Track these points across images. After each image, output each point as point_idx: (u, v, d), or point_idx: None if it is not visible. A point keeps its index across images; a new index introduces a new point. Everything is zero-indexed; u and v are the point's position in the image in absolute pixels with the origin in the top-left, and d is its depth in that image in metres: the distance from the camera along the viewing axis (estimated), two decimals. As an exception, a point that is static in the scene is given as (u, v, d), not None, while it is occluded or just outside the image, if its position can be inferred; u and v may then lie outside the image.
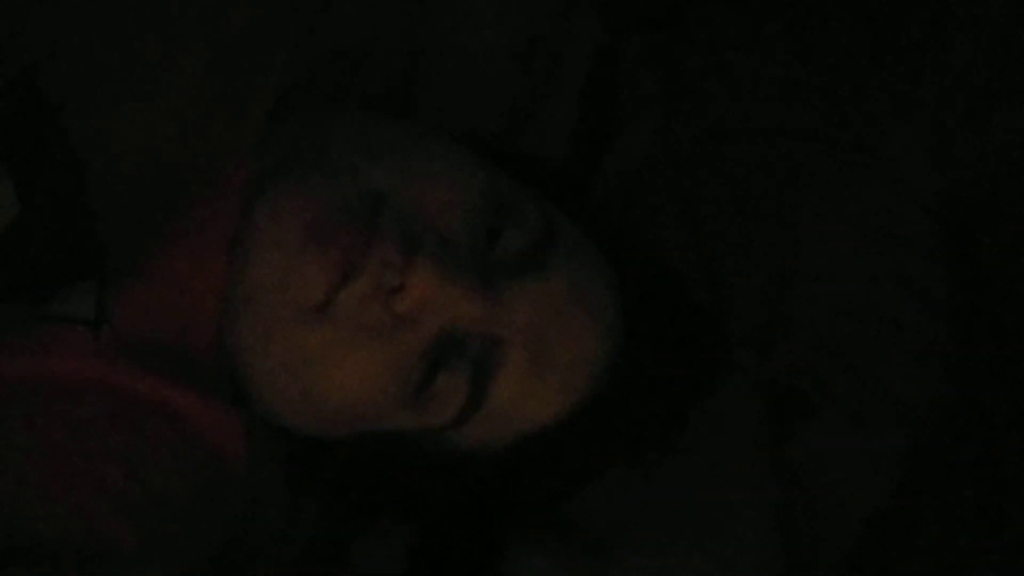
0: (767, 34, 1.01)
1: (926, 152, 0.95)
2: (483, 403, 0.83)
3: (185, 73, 0.85)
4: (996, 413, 0.93)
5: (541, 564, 0.90)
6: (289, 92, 0.89)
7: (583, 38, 1.02)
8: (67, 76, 0.82)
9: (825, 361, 0.93)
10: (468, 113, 0.98)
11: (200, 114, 0.85)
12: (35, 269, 0.80)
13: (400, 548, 0.90)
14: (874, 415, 0.92)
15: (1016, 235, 0.94)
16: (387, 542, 0.90)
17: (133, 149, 0.83)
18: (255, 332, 0.82)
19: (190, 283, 0.83)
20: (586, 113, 1.02)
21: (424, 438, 0.86)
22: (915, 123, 0.96)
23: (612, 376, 0.86)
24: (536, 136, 1.00)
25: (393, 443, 0.86)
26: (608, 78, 1.03)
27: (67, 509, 0.81)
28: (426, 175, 0.83)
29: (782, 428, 0.93)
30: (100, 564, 0.81)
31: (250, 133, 0.85)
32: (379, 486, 0.90)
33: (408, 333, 0.81)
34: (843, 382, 0.93)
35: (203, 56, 0.85)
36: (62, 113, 0.81)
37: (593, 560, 0.90)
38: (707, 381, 0.94)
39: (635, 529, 0.91)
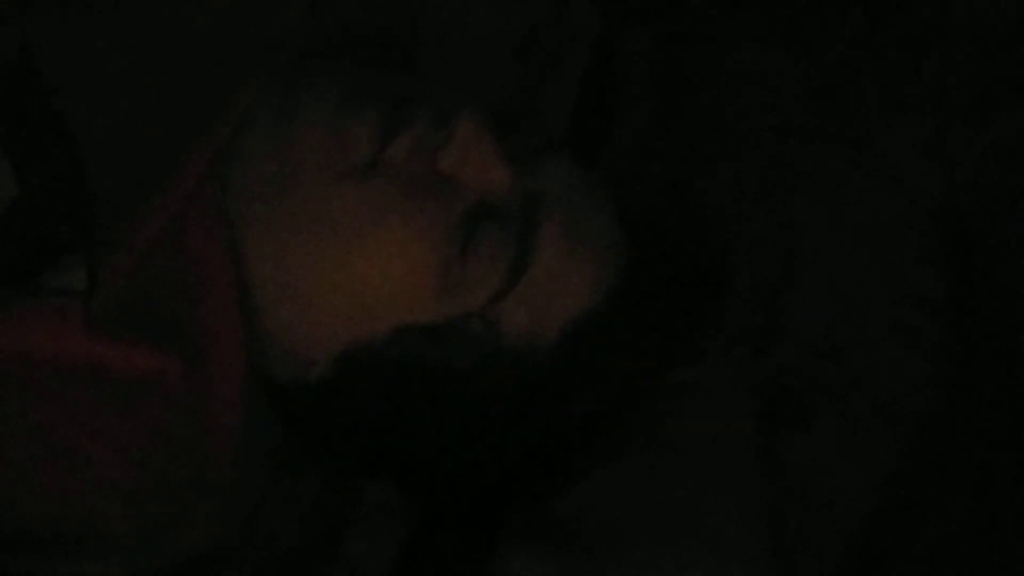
0: (765, 30, 1.00)
1: (925, 151, 0.95)
2: (528, 264, 0.83)
3: (180, 54, 0.85)
4: (992, 416, 0.93)
5: (530, 563, 0.90)
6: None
7: (581, 29, 1.02)
8: (63, 57, 0.82)
9: (820, 362, 0.93)
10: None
11: (194, 95, 0.84)
12: (33, 250, 0.80)
13: (392, 543, 0.90)
14: (868, 417, 0.92)
15: (1015, 236, 0.94)
16: (379, 536, 0.90)
17: (127, 121, 0.83)
18: (296, 205, 0.82)
19: (179, 251, 0.83)
20: (583, 105, 1.02)
21: (460, 344, 0.84)
22: (914, 121, 0.96)
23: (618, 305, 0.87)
24: (533, 128, 1.00)
25: (424, 350, 0.84)
26: (606, 70, 1.03)
27: (58, 493, 0.80)
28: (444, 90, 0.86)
29: (775, 429, 0.93)
30: (92, 548, 0.81)
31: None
32: (375, 463, 0.89)
33: (451, 193, 0.82)
34: (838, 384, 0.93)
35: (198, 38, 0.85)
36: (59, 94, 0.81)
37: (584, 559, 0.90)
38: (701, 379, 0.94)
39: (626, 528, 0.91)
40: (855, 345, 0.94)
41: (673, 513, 0.92)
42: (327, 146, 0.82)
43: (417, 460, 0.88)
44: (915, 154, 0.95)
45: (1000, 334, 0.94)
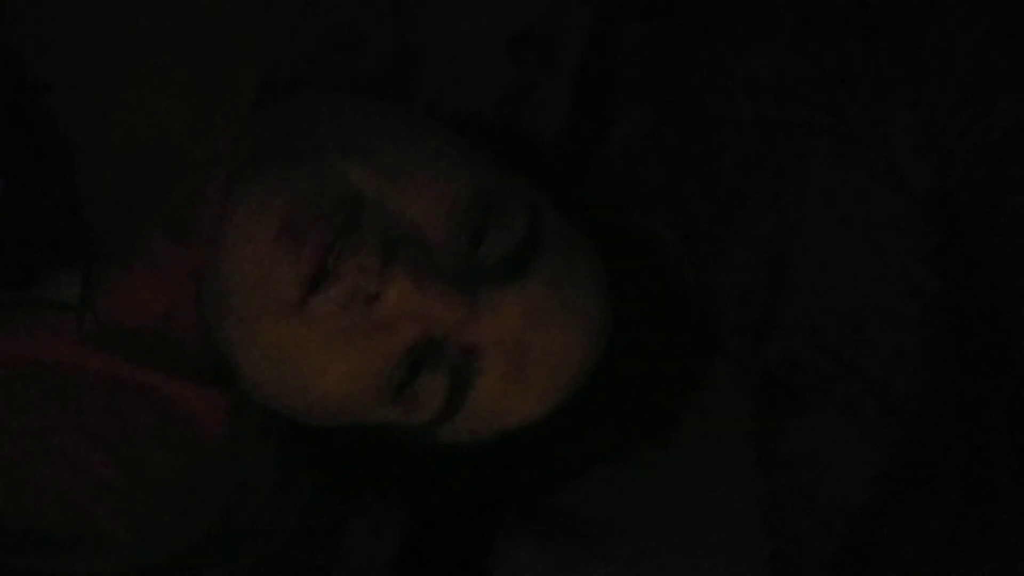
0: (759, 25, 1.00)
1: (918, 143, 0.95)
2: (462, 405, 0.83)
3: (175, 60, 0.84)
4: (986, 408, 0.93)
5: (530, 554, 0.90)
6: (278, 80, 0.89)
7: (577, 27, 1.02)
8: (55, 58, 0.82)
9: (816, 353, 0.93)
10: (461, 102, 0.98)
11: (189, 100, 0.84)
12: (20, 251, 0.80)
13: (391, 537, 0.90)
14: (863, 408, 0.92)
15: (1009, 228, 0.94)
16: (378, 531, 0.90)
17: (122, 133, 0.83)
18: (237, 325, 0.82)
19: (175, 270, 0.83)
20: (579, 103, 1.02)
21: (411, 429, 0.85)
22: (908, 114, 0.95)
23: (600, 370, 0.86)
24: (529, 126, 1.00)
25: (381, 433, 0.86)
26: (601, 68, 1.03)
27: (53, 495, 0.81)
28: (411, 174, 0.82)
29: (772, 419, 0.93)
30: (88, 549, 0.81)
31: (239, 120, 0.85)
32: (372, 468, 0.90)
33: (386, 338, 0.80)
34: (834, 374, 0.93)
35: (194, 42, 0.85)
36: (49, 95, 0.81)
37: (582, 551, 0.91)
38: (698, 372, 0.94)
39: (624, 520, 0.92)
40: (850, 337, 0.94)
41: (670, 504, 0.93)
42: (255, 281, 0.80)
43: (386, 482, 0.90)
44: (908, 146, 0.95)
45: (994, 325, 0.94)
